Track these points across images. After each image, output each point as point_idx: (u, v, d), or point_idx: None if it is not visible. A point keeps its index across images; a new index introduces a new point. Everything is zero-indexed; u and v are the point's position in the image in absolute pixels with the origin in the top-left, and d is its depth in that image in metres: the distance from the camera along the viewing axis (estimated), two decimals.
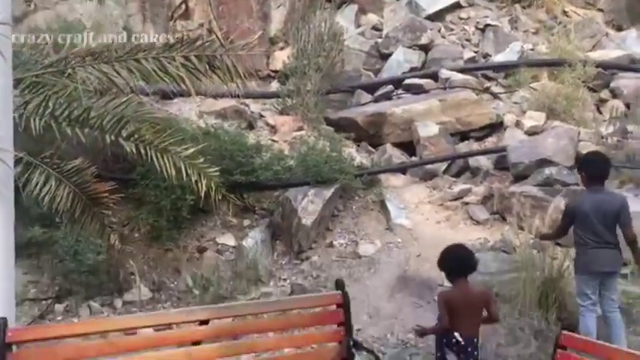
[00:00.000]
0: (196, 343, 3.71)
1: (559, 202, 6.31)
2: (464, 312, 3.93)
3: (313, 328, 4.20)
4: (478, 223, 6.86)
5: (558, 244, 6.10)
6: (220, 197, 5.74)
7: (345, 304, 4.06)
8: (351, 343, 4.03)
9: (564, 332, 3.76)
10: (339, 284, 4.15)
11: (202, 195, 5.60)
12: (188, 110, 8.07)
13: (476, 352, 3.97)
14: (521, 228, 6.05)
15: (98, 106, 5.39)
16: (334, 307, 4.09)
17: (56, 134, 5.18)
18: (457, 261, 4.08)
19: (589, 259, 4.77)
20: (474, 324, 3.98)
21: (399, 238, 6.69)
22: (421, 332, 4.16)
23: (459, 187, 7.40)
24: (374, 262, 6.40)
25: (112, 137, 5.29)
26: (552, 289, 5.27)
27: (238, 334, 4.07)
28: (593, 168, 4.90)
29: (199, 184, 5.48)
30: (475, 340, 3.96)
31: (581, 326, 4.73)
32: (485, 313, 4.03)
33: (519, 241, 5.86)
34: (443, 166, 7.96)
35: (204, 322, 3.73)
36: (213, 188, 5.58)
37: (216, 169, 5.67)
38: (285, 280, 6.45)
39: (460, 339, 3.90)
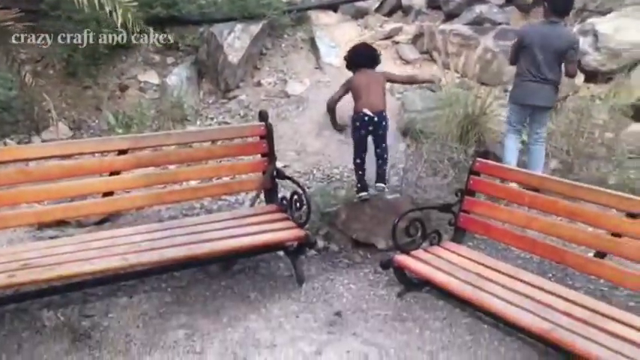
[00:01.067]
0: (115, 173, 3.65)
1: (488, 42, 6.33)
2: (367, 88, 4.23)
3: (237, 159, 4.20)
4: (407, 62, 6.82)
5: (483, 83, 6.21)
6: (139, 31, 5.39)
7: (268, 135, 4.05)
8: (274, 172, 4.10)
9: (479, 160, 3.91)
10: (263, 115, 4.11)
11: (118, 27, 5.24)
12: None
13: (385, 124, 4.25)
14: (449, 67, 6.06)
15: None
16: (258, 138, 4.08)
17: None
18: (358, 55, 4.40)
19: (523, 91, 4.85)
20: (379, 101, 4.24)
21: (328, 77, 6.58)
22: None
23: (390, 25, 7.24)
24: (302, 101, 6.34)
25: None
26: (474, 126, 5.41)
27: (160, 164, 4.01)
28: (561, 1, 4.73)
29: (114, 16, 5.09)
30: (384, 113, 4.24)
31: (505, 148, 5.03)
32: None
33: (445, 80, 5.92)
34: (375, 4, 7.73)
35: (123, 152, 3.65)
36: (131, 20, 5.21)
37: None
38: (212, 119, 6.32)
39: (370, 113, 4.17)
